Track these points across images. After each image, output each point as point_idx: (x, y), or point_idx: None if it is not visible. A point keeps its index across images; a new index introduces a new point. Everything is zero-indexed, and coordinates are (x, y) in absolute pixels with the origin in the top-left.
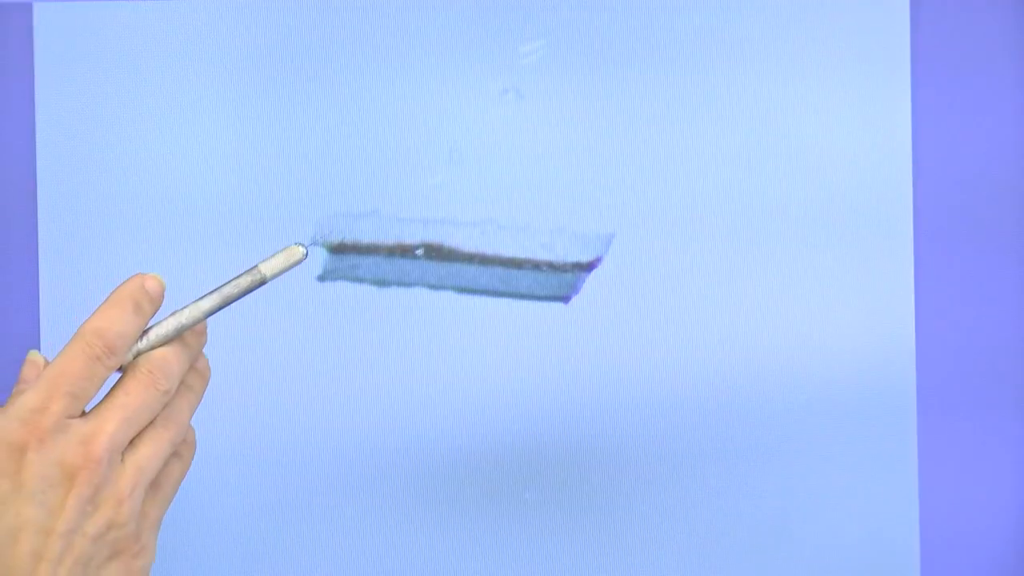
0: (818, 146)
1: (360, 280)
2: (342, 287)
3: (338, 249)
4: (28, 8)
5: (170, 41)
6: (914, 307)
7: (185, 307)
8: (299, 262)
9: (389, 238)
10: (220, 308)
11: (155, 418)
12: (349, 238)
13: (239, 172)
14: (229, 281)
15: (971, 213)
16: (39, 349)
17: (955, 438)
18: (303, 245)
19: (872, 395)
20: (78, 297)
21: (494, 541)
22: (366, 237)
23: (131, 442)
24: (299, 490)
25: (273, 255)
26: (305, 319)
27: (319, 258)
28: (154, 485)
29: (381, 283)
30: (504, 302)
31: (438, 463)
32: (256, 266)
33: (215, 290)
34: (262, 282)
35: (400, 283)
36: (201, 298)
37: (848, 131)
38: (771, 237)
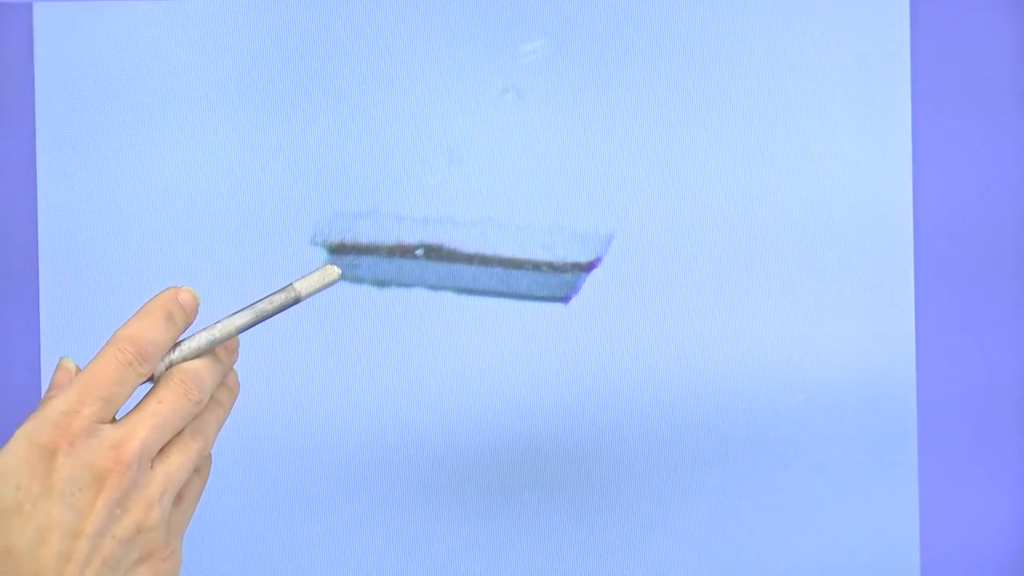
0: (818, 145)
1: (360, 280)
2: (342, 287)
3: (338, 249)
4: (28, 8)
5: (170, 41)
6: (914, 306)
7: (218, 321)
8: (334, 282)
9: (389, 238)
10: (253, 324)
11: (184, 429)
12: (349, 238)
13: (239, 172)
14: (263, 298)
15: (972, 211)
16: (39, 349)
17: (955, 439)
18: (338, 267)
19: (872, 395)
20: (79, 297)
21: (493, 541)
22: (366, 237)
23: (160, 451)
24: (297, 490)
25: (308, 274)
26: (304, 319)
27: (319, 258)
28: (177, 497)
29: (381, 283)
30: (504, 302)
31: (437, 463)
32: (291, 284)
33: (249, 306)
34: (296, 300)
35: (399, 283)
36: (234, 313)
37: (848, 130)
38: (771, 236)
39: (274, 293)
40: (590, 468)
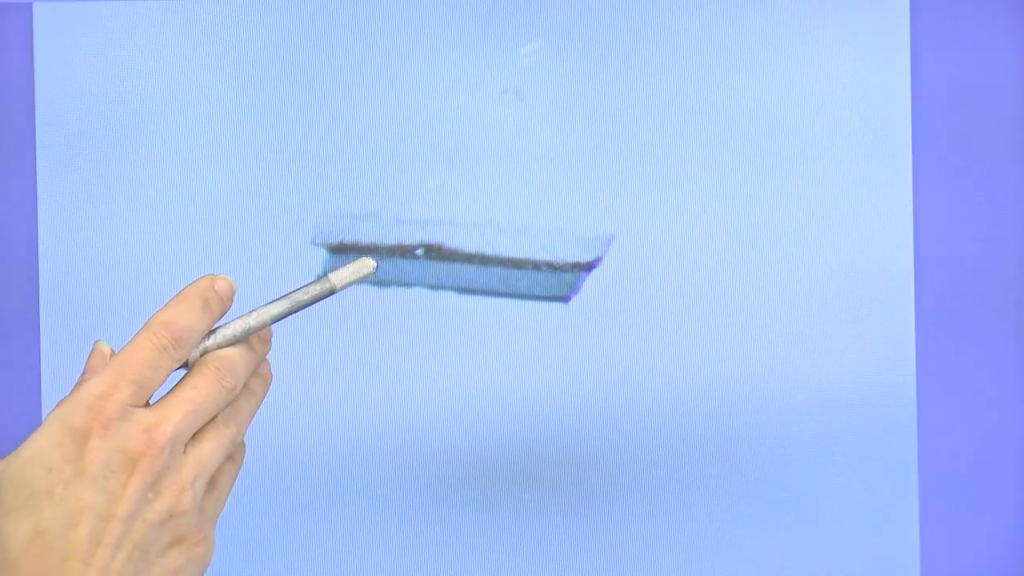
0: (819, 146)
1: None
2: None
3: (338, 249)
4: (28, 8)
5: (170, 41)
6: (914, 307)
7: (253, 310)
8: (369, 275)
9: (389, 238)
10: (288, 314)
11: (217, 416)
12: (349, 238)
13: (239, 173)
14: (298, 288)
15: (971, 209)
16: (38, 351)
17: (955, 437)
18: (374, 259)
19: (872, 395)
20: (79, 297)
21: (494, 542)
22: (366, 237)
23: (193, 436)
24: (298, 490)
25: (343, 266)
26: (304, 319)
27: (319, 258)
28: (210, 483)
29: (381, 283)
30: (504, 302)
31: (437, 464)
32: (326, 275)
33: (284, 296)
34: (331, 292)
35: (400, 283)
36: (270, 303)
37: (848, 131)
38: (771, 237)
39: (309, 284)
40: (590, 468)
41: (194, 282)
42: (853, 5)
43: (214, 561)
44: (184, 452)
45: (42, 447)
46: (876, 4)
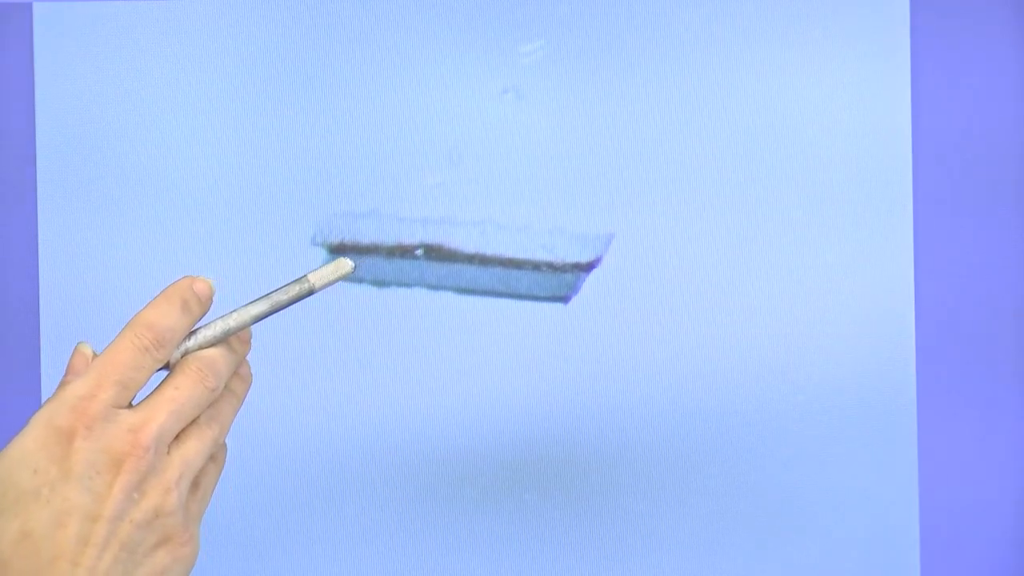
0: (818, 146)
1: (360, 280)
2: (342, 287)
3: (338, 249)
4: (28, 8)
5: (170, 41)
6: (914, 307)
7: (233, 311)
8: (347, 275)
9: (389, 238)
10: (268, 315)
11: (199, 416)
12: (349, 238)
13: (239, 172)
14: (278, 289)
15: (970, 210)
16: (38, 351)
17: (955, 438)
18: (352, 259)
19: (872, 394)
20: (78, 297)
21: (494, 542)
22: (366, 237)
23: (176, 437)
24: (298, 490)
25: (322, 266)
26: (304, 319)
27: (319, 258)
28: (193, 484)
29: (380, 283)
30: (504, 302)
31: (437, 464)
32: (305, 275)
33: (264, 296)
34: (310, 291)
35: (399, 283)
36: (249, 303)
37: (848, 130)
38: (771, 237)
39: (288, 284)
40: (590, 469)
41: (174, 283)
42: (854, 5)
43: (214, 561)
44: (168, 452)
45: (27, 449)
46: (877, 4)
